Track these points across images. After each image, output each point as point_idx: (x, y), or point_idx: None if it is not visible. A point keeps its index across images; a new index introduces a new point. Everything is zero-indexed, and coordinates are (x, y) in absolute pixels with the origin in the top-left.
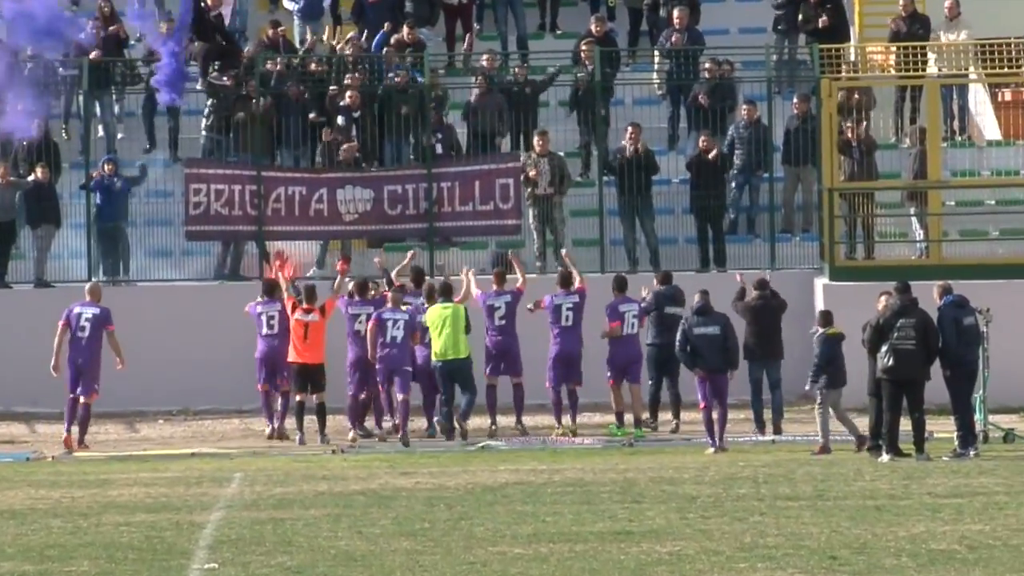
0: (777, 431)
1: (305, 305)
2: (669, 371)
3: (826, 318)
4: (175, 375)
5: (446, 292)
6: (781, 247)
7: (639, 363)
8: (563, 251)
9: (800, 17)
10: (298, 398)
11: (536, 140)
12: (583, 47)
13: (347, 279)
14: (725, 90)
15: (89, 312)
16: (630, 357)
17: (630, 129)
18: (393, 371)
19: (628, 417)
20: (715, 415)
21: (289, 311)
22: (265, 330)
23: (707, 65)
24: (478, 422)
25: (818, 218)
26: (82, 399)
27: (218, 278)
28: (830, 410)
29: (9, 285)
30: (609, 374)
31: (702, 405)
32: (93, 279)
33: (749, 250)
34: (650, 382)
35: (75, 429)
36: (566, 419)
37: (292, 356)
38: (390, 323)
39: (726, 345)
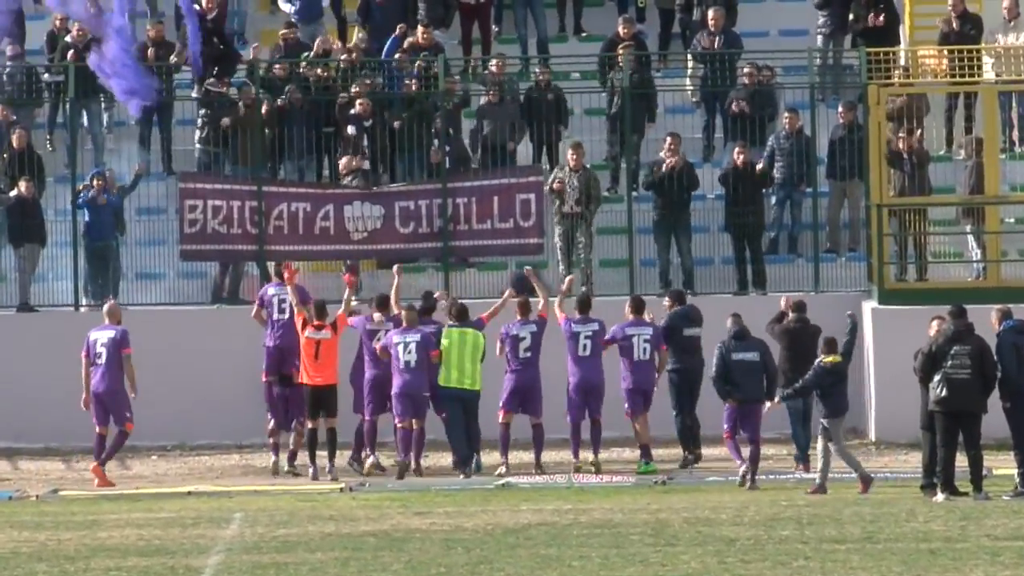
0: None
1: (315, 322)
2: (692, 397)
3: (829, 346)
4: (169, 407)
5: (462, 315)
6: (826, 268)
7: (650, 393)
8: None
9: (851, 16)
10: (310, 425)
11: (570, 154)
12: (620, 51)
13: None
14: (764, 97)
15: (105, 336)
16: (644, 385)
17: (668, 140)
18: (411, 399)
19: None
20: (746, 452)
21: (299, 328)
22: (276, 314)
23: (745, 70)
24: (491, 458)
25: (866, 236)
26: (117, 429)
27: (216, 302)
28: (830, 446)
29: None
30: (626, 405)
31: (728, 434)
32: (83, 302)
33: (791, 271)
34: (674, 413)
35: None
36: (587, 453)
37: (303, 377)
38: (400, 347)
39: (766, 372)
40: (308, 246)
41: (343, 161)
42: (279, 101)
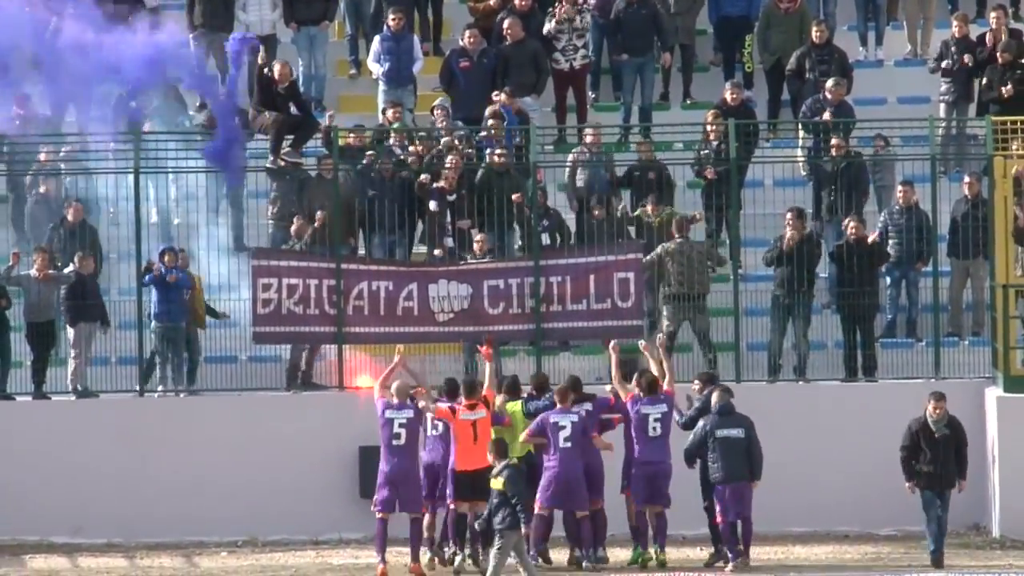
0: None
1: (467, 401)
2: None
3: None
4: (240, 499)
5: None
6: (947, 353)
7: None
8: (658, 337)
9: (984, 81)
10: (459, 509)
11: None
12: (709, 118)
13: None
14: (857, 170)
15: (403, 417)
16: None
17: (789, 215)
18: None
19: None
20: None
21: (450, 411)
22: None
23: (832, 142)
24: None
25: (990, 319)
26: (411, 516)
27: (290, 387)
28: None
29: (48, 396)
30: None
31: (722, 519)
32: (159, 388)
33: (909, 356)
34: (705, 506)
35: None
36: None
37: (460, 463)
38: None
39: (750, 450)
40: (389, 328)
41: (479, 238)
42: (370, 172)
